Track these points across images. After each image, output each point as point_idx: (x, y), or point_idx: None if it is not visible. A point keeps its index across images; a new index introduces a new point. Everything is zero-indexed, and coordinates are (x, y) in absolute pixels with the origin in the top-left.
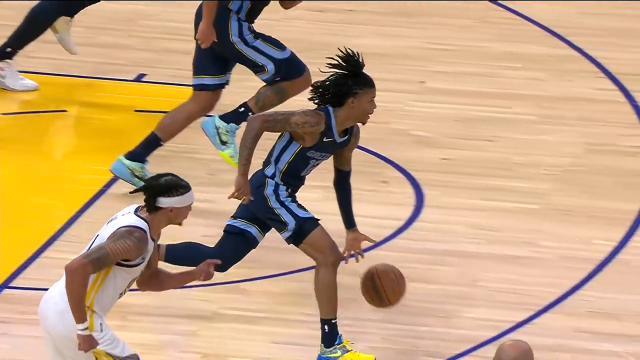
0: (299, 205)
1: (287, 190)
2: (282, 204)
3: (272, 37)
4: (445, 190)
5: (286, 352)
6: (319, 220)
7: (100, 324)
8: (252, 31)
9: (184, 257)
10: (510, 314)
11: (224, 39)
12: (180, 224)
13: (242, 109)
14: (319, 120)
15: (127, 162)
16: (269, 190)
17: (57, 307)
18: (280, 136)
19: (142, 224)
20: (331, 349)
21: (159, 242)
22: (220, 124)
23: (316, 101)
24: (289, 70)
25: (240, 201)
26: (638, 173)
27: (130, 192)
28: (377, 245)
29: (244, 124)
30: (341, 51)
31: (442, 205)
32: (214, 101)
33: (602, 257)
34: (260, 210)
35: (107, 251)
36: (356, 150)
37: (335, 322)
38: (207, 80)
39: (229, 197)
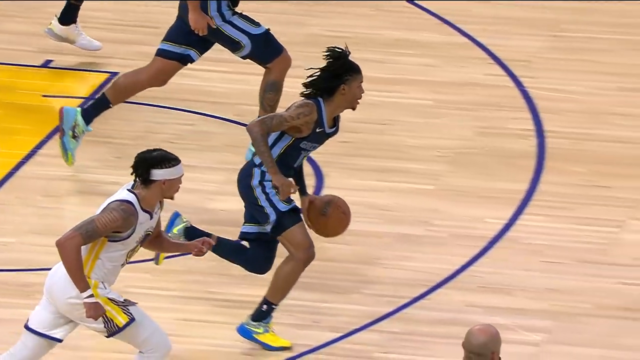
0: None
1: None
2: (266, 195)
3: (249, 16)
4: (344, 172)
5: (192, 329)
6: (300, 212)
7: (102, 282)
8: (231, 8)
9: (227, 253)
10: (406, 289)
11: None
12: (172, 197)
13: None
14: (311, 109)
15: (79, 116)
16: (255, 182)
17: (64, 280)
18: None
19: (131, 197)
20: (257, 324)
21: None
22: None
23: (308, 94)
24: (266, 49)
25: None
26: (525, 154)
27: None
28: None
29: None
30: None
31: (341, 187)
32: (166, 72)
33: (492, 235)
34: (246, 200)
35: (96, 223)
36: None
37: (275, 308)
38: (167, 46)
39: (282, 198)
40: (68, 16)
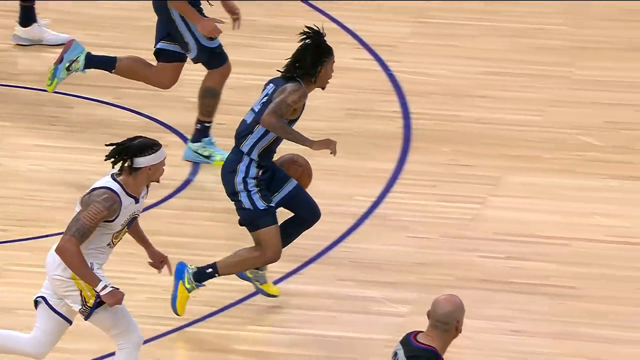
0: (263, 196)
1: (257, 174)
2: (247, 191)
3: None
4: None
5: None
6: (275, 211)
7: (91, 263)
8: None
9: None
10: (279, 265)
11: (168, 16)
12: (158, 180)
13: (199, 125)
14: (304, 91)
15: (83, 56)
16: (238, 178)
17: (54, 258)
18: (254, 127)
19: (113, 185)
20: (192, 281)
21: None
22: (194, 146)
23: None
24: (210, 59)
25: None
26: (393, 135)
27: (106, 158)
28: (156, 204)
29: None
30: (306, 27)
31: (217, 167)
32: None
33: (362, 212)
34: (227, 191)
35: (83, 221)
36: (135, 116)
37: (216, 277)
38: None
39: (334, 153)
40: (26, 18)
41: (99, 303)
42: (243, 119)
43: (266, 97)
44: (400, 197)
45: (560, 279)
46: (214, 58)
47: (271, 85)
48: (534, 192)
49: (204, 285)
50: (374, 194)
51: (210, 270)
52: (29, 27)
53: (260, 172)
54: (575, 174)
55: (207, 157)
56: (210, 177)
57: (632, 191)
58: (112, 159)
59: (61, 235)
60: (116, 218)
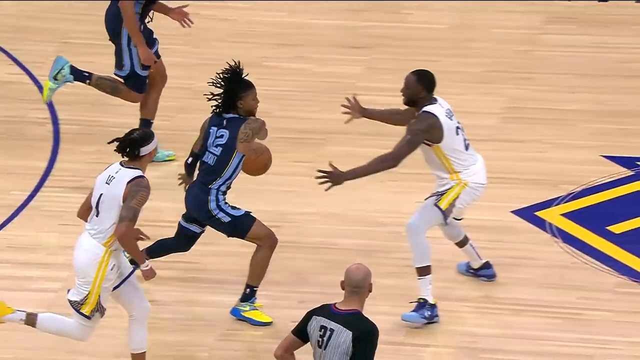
0: (233, 207)
1: (224, 195)
2: (222, 209)
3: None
4: None
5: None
6: (250, 212)
7: (114, 265)
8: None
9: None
10: None
11: (117, 32)
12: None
13: (87, 74)
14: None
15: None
16: (212, 205)
17: (85, 251)
18: (231, 158)
19: (138, 172)
20: (244, 304)
21: None
22: (67, 70)
23: (217, 111)
24: (135, 84)
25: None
26: (44, 138)
27: (109, 142)
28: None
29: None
30: (229, 66)
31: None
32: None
33: (18, 204)
34: (202, 217)
35: (136, 207)
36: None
37: (256, 290)
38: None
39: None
40: None
41: (92, 315)
42: (202, 160)
43: (224, 140)
44: (51, 191)
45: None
46: (138, 85)
47: (222, 129)
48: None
49: (255, 298)
50: (29, 189)
51: (248, 290)
52: None
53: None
54: None
55: (55, 79)
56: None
57: (249, 182)
58: (124, 150)
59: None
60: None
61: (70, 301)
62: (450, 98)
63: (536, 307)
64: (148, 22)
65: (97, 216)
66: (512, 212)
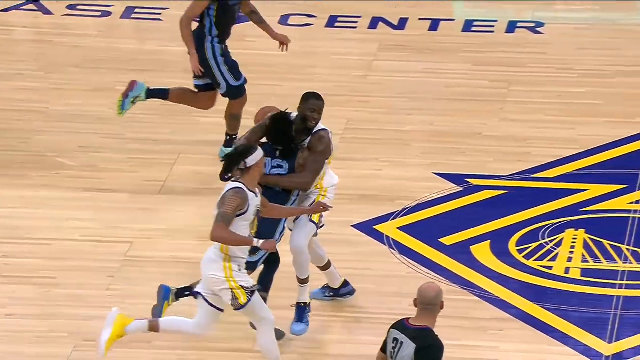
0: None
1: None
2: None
3: (236, 64)
4: None
5: None
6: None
7: (238, 266)
8: (224, 54)
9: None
10: None
11: (202, 56)
12: (263, 173)
13: (228, 137)
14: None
15: (144, 92)
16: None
17: (209, 260)
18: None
19: (237, 184)
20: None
21: None
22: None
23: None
24: (233, 94)
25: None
26: None
27: (224, 172)
28: None
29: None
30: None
31: None
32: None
33: None
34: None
35: (226, 211)
36: None
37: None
38: (196, 81)
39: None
40: None
41: (249, 299)
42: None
43: (284, 171)
44: None
45: (45, 272)
46: (238, 93)
47: (277, 159)
48: (23, 203)
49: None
50: None
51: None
52: None
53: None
54: (57, 188)
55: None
56: None
57: (100, 200)
58: (229, 169)
59: None
60: (248, 208)
61: (232, 305)
62: None
63: (375, 314)
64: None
65: None
66: (352, 226)
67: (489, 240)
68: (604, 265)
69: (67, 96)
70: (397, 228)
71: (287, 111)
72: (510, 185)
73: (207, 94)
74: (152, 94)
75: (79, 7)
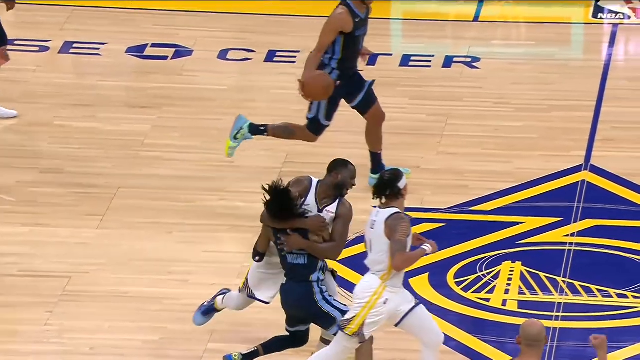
0: (335, 299)
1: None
2: (328, 302)
3: (335, 106)
4: None
5: None
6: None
7: (386, 299)
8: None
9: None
10: None
11: None
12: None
13: (263, 128)
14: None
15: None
16: (318, 297)
17: (364, 281)
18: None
19: (394, 209)
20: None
21: None
22: (247, 130)
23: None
24: (314, 129)
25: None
26: None
27: (377, 197)
28: None
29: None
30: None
31: None
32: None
33: None
34: (310, 315)
35: (399, 238)
36: None
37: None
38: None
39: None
40: None
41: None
42: (287, 259)
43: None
44: None
45: None
46: (316, 130)
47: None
48: None
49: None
50: None
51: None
52: None
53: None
54: None
55: (235, 138)
56: None
57: (39, 235)
58: (384, 193)
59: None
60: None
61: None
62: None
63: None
64: None
65: (370, 256)
66: None
67: (427, 273)
68: (541, 297)
69: (5, 131)
70: (337, 260)
71: (305, 177)
72: (448, 218)
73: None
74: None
75: (17, 42)
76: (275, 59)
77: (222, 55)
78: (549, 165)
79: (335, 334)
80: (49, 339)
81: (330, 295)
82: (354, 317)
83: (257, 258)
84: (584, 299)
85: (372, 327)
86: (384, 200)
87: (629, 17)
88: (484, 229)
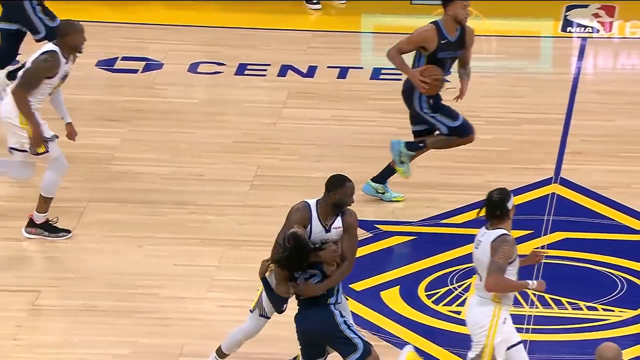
0: (353, 325)
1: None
2: (349, 327)
3: (446, 108)
4: None
5: None
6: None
7: (505, 318)
8: (430, 106)
9: None
10: None
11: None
12: None
13: (422, 145)
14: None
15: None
16: (339, 319)
17: (479, 304)
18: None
19: (501, 231)
20: None
21: None
22: (405, 150)
23: None
24: (460, 132)
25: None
26: None
27: (485, 213)
28: None
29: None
30: None
31: None
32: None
33: None
34: (330, 339)
35: (500, 261)
36: None
37: None
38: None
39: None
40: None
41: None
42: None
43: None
44: None
45: None
46: (462, 132)
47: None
48: None
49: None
50: None
51: None
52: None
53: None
54: None
55: (402, 162)
56: None
57: (8, 249)
58: (492, 215)
59: None
60: (515, 256)
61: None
62: (204, 167)
63: None
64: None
65: (480, 280)
66: None
67: (399, 286)
68: (511, 310)
69: None
70: None
71: (300, 205)
72: (419, 231)
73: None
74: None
75: None
76: (246, 72)
77: (193, 68)
78: (519, 178)
79: None
80: (18, 354)
81: (350, 322)
82: (483, 349)
83: (284, 307)
84: (554, 311)
85: (503, 347)
86: (490, 222)
87: (598, 31)
88: (455, 241)
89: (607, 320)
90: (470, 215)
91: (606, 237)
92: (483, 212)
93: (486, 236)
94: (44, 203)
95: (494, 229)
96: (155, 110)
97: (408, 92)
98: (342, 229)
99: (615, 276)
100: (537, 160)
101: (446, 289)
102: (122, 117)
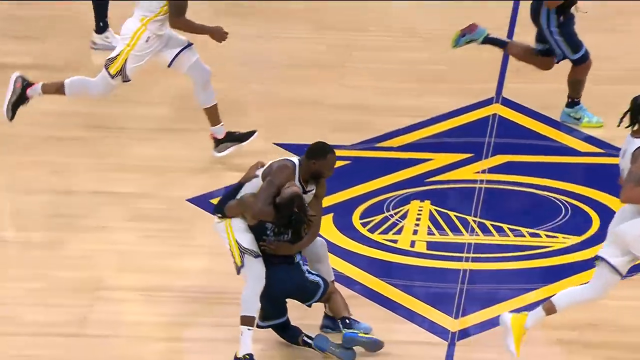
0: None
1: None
2: (309, 272)
3: (573, 35)
4: None
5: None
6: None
7: None
8: (559, 25)
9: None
10: None
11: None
12: None
13: (570, 100)
14: None
15: (482, 37)
16: (303, 268)
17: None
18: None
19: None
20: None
21: None
22: (567, 111)
23: None
24: (576, 62)
25: None
26: None
27: (630, 117)
28: None
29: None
30: None
31: None
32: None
33: None
34: (301, 290)
35: (636, 170)
36: None
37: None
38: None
39: None
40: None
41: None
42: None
43: None
44: None
45: None
46: (578, 60)
47: None
48: None
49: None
50: None
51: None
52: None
53: None
54: None
55: (577, 119)
56: None
57: None
58: (636, 119)
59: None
60: None
61: None
62: None
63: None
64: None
65: None
66: (188, 200)
67: (332, 214)
68: (450, 237)
69: None
70: None
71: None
72: (353, 155)
73: (546, 58)
74: (490, 41)
75: None
76: None
77: None
78: (458, 99)
79: (319, 299)
80: None
81: (308, 267)
82: None
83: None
84: (495, 238)
85: None
86: (635, 127)
87: None
88: (391, 166)
89: (550, 247)
90: (406, 138)
91: (550, 160)
92: (627, 119)
93: (631, 144)
94: (212, 114)
95: (637, 137)
96: None
97: (536, 6)
98: (313, 193)
99: (560, 201)
100: (479, 80)
101: (382, 216)
102: None
